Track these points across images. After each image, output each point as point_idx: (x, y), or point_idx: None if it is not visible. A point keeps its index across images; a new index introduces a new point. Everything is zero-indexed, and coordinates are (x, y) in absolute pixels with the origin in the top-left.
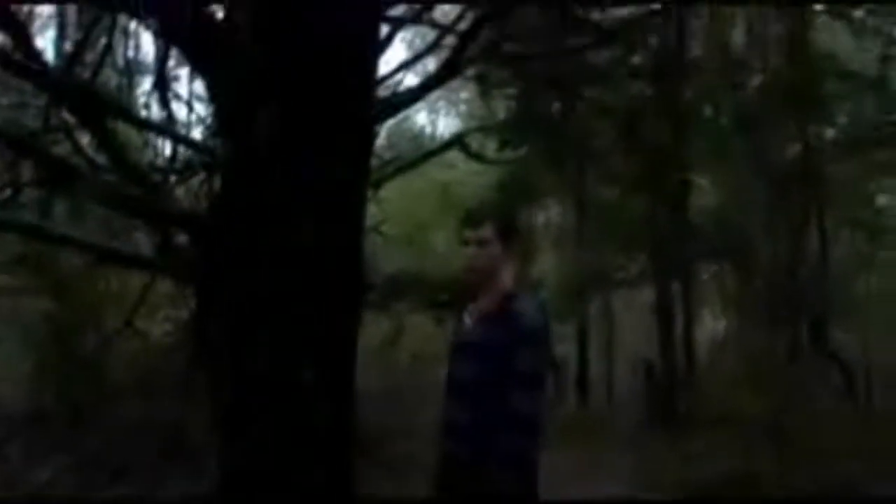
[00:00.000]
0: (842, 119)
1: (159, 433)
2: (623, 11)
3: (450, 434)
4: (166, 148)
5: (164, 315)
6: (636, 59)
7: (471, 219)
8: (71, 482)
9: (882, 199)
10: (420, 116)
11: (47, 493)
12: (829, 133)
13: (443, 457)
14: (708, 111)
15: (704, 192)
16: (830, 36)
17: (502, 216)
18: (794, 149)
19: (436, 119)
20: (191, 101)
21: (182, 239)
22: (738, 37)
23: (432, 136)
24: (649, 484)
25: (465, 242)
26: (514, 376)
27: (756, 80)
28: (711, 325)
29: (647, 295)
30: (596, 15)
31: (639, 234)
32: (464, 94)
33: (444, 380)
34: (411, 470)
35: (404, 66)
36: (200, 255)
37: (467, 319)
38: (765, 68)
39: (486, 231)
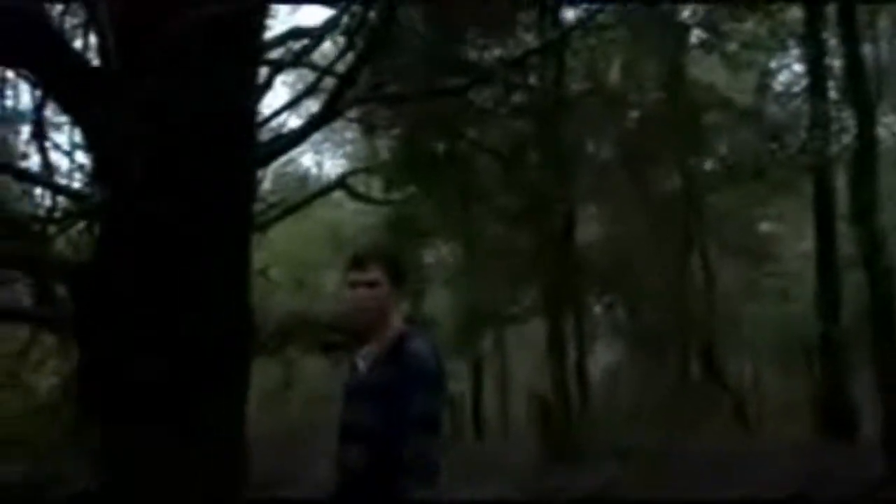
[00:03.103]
0: (721, 149)
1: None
2: (501, 51)
3: (345, 479)
4: (46, 198)
5: (51, 368)
6: (516, 98)
7: (358, 261)
8: None
9: (764, 227)
10: (306, 158)
11: None
12: (710, 164)
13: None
14: (590, 146)
15: (590, 225)
16: (706, 69)
17: (389, 257)
18: (676, 180)
19: (321, 160)
20: (72, 149)
21: (63, 290)
22: (614, 73)
23: (318, 178)
24: None
25: (353, 285)
26: (409, 420)
27: (635, 115)
28: (604, 356)
29: (540, 329)
30: (474, 55)
31: (528, 269)
32: (348, 135)
33: (337, 425)
34: None
35: (285, 108)
36: (81, 305)
37: (360, 363)
38: (642, 103)
39: (374, 273)
